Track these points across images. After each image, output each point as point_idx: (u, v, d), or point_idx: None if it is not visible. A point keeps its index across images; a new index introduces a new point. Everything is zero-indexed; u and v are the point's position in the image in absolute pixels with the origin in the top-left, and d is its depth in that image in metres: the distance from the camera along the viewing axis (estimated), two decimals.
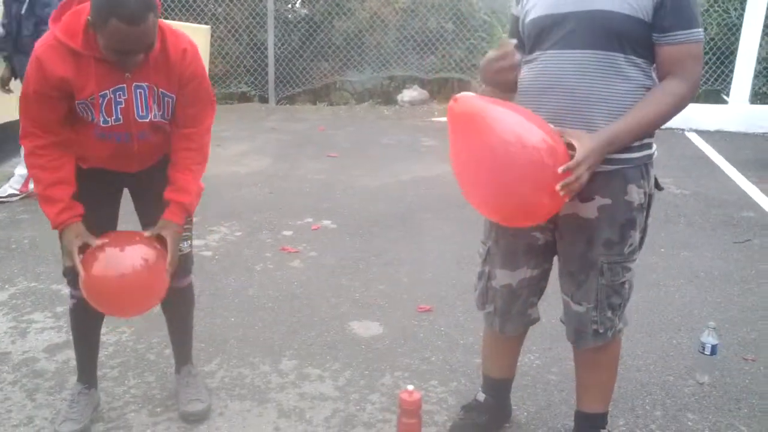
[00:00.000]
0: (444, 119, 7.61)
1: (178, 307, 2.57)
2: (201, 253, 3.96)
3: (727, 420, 2.55)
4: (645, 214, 2.07)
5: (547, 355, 2.94)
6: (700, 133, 7.02)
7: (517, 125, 1.80)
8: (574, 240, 2.06)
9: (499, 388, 2.45)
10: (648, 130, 1.94)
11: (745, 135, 7.00)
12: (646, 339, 3.10)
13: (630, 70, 1.91)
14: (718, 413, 2.58)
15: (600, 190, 1.95)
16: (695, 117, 7.11)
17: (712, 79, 7.71)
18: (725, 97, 7.52)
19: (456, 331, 3.16)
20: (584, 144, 1.81)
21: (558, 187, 1.77)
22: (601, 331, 2.10)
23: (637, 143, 1.96)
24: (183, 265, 2.42)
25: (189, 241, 2.46)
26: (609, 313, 2.09)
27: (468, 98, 1.80)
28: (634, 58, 1.91)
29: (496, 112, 1.80)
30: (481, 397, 2.45)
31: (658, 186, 2.10)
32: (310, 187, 5.29)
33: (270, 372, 2.82)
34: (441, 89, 8.78)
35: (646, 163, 2.02)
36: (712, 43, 7.68)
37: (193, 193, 2.32)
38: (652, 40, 1.90)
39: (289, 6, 8.86)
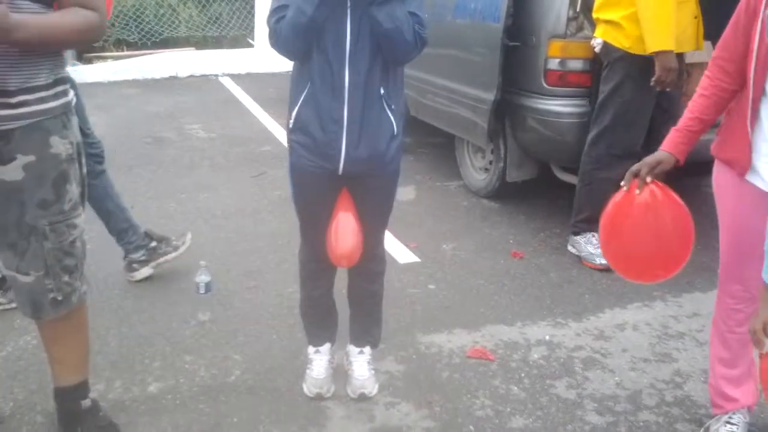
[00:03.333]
0: None
1: None
2: None
3: (224, 353, 2.61)
4: (77, 164, 1.94)
5: None
6: (233, 77, 7.25)
7: None
8: (4, 208, 1.84)
9: None
10: (61, 38, 1.76)
11: (271, 75, 7.43)
12: (153, 291, 3.03)
13: None
14: (214, 348, 2.63)
15: (20, 148, 1.77)
16: (227, 62, 7.34)
17: (238, 25, 8.00)
18: (251, 42, 7.87)
19: None
20: None
21: None
22: (60, 298, 1.94)
23: (52, 92, 1.81)
24: None
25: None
26: (66, 278, 1.94)
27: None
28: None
29: None
30: None
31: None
32: None
33: None
34: None
35: (66, 112, 1.90)
36: None
37: None
38: None
39: None
